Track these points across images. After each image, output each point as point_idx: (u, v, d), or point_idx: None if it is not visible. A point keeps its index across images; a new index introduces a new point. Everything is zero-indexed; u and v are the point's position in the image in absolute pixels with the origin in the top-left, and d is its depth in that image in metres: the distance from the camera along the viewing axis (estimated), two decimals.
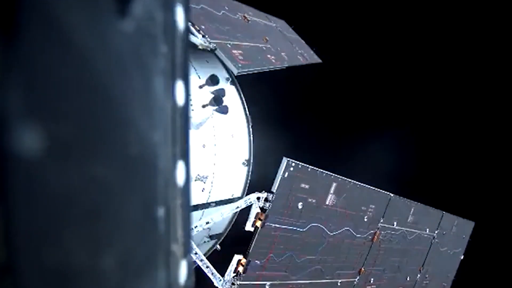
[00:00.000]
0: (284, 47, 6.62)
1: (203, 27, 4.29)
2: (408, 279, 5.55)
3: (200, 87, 4.02)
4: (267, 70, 5.26)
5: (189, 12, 0.62)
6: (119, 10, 0.50)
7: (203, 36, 4.19)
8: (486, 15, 10.82)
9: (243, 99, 5.06)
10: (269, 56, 5.60)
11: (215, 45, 4.25)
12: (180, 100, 0.59)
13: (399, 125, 11.58)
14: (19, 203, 0.40)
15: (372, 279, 4.77)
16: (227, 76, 4.80)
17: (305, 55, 7.31)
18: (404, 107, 11.79)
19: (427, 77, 11.85)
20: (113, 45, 0.50)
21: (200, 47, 4.07)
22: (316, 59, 7.81)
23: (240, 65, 4.47)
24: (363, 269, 4.61)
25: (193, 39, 4.09)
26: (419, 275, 5.79)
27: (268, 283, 3.72)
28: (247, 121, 5.02)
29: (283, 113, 10.78)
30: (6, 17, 0.39)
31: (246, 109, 5.07)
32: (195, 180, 3.87)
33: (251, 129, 5.02)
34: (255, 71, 4.82)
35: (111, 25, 0.49)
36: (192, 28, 4.12)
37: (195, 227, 3.59)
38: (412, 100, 11.81)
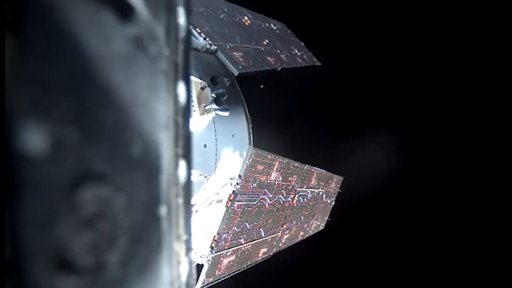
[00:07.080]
0: (283, 49, 6.64)
1: (204, 29, 4.32)
2: (305, 225, 7.38)
3: (202, 88, 4.04)
4: (267, 71, 5.28)
5: (190, 15, 0.63)
6: (122, 12, 0.51)
7: (204, 39, 4.21)
8: (483, 16, 10.84)
9: (244, 100, 5.08)
10: (268, 58, 5.61)
11: (216, 47, 4.26)
12: (182, 101, 0.60)
13: (395, 125, 11.62)
14: (24, 201, 0.41)
15: (287, 230, 6.38)
16: (228, 77, 4.81)
17: (304, 57, 7.33)
18: (399, 107, 11.81)
19: (425, 78, 11.86)
20: (116, 47, 0.50)
21: (201, 49, 4.09)
22: (314, 61, 7.82)
23: (240, 66, 4.49)
24: (284, 226, 6.09)
25: (194, 41, 4.11)
26: (312, 221, 7.74)
27: (230, 250, 4.50)
28: (248, 122, 5.04)
29: (283, 114, 10.81)
30: (13, 19, 0.40)
31: (246, 109, 5.08)
32: (197, 179, 3.89)
33: (251, 129, 5.05)
34: (255, 73, 4.84)
35: (114, 27, 0.50)
36: (193, 31, 4.15)
37: None
38: (408, 100, 11.82)
